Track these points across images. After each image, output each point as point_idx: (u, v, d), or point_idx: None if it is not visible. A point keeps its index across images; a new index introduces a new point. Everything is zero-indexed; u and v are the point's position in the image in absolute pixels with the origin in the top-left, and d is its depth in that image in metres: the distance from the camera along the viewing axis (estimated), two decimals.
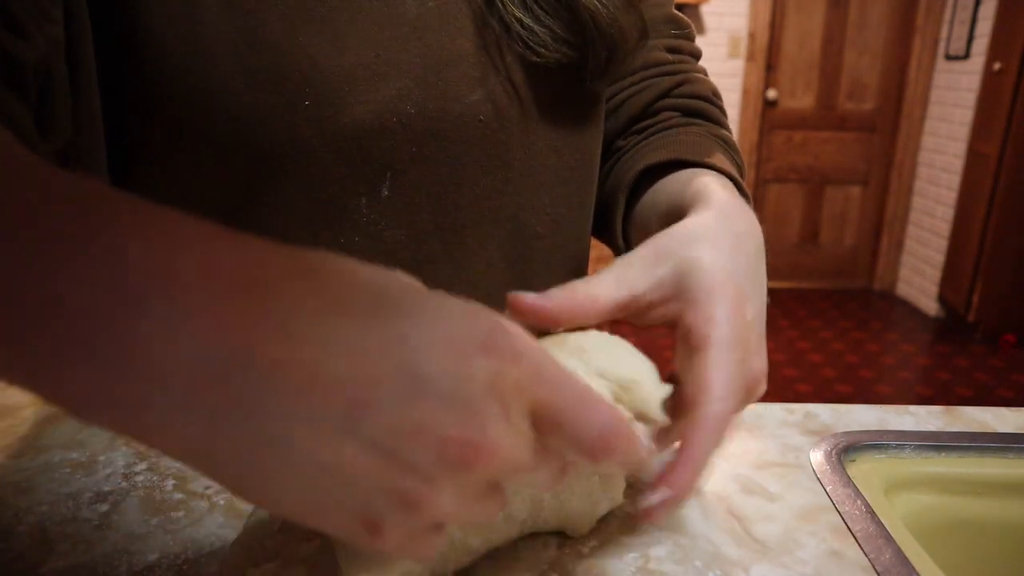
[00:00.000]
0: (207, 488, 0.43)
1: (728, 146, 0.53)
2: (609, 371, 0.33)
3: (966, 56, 3.29)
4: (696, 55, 0.59)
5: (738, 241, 0.38)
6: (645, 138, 0.54)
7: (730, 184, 0.45)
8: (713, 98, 0.57)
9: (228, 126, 0.41)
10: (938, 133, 3.54)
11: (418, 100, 0.44)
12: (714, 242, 0.37)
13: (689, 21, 0.59)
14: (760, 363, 0.36)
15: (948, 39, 3.45)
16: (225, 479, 0.23)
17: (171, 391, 0.20)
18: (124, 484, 0.43)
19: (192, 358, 0.20)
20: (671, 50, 0.56)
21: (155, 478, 0.44)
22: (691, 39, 0.59)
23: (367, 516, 0.23)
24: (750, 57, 3.62)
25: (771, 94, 3.69)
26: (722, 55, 3.63)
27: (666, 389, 0.35)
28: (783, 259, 3.96)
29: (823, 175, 3.84)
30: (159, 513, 0.40)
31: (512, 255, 0.50)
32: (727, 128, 0.56)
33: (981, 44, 3.18)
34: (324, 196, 0.44)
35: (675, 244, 0.37)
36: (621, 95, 0.56)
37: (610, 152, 0.56)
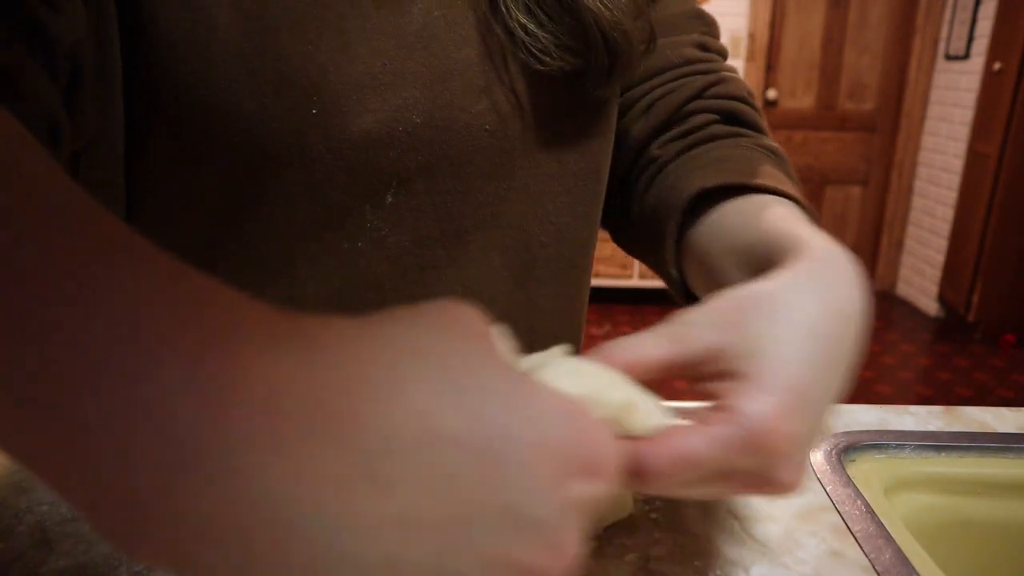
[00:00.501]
0: None
1: (778, 158, 0.49)
2: (602, 396, 0.30)
3: (966, 56, 3.29)
4: (724, 54, 0.56)
5: (830, 316, 0.31)
6: (686, 148, 0.50)
7: (806, 218, 0.40)
8: (749, 99, 0.53)
9: (233, 129, 0.41)
10: (938, 133, 3.54)
11: (424, 109, 0.43)
12: (796, 319, 0.31)
13: (714, 18, 0.56)
14: (789, 475, 0.29)
15: (948, 39, 3.46)
16: None
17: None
18: None
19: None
20: (701, 47, 0.53)
21: None
22: (717, 36, 0.56)
23: None
24: (750, 57, 3.61)
25: (771, 94, 3.69)
26: None
27: (659, 404, 0.32)
28: None
29: (823, 175, 3.84)
30: None
31: (515, 263, 0.49)
32: (767, 132, 0.52)
33: (981, 44, 3.18)
34: (328, 202, 0.44)
35: (748, 310, 0.31)
36: (652, 95, 0.53)
37: (645, 160, 0.53)
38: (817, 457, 0.48)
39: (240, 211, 0.43)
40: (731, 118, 0.51)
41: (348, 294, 0.46)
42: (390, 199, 0.45)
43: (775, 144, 0.50)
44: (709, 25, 0.55)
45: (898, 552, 0.39)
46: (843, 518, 0.42)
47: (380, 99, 0.42)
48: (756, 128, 0.52)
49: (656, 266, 0.52)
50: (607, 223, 0.57)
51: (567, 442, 0.22)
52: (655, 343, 0.32)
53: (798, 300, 0.31)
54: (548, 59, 0.44)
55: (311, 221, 0.44)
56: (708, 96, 0.52)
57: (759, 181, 0.44)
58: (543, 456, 0.21)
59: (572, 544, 0.22)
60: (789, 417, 0.28)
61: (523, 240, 0.50)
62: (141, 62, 0.40)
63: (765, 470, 0.29)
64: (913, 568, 0.38)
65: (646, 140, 0.53)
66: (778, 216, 0.39)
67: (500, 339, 0.25)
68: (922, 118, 3.65)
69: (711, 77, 0.52)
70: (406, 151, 0.44)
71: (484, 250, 0.48)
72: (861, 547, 0.39)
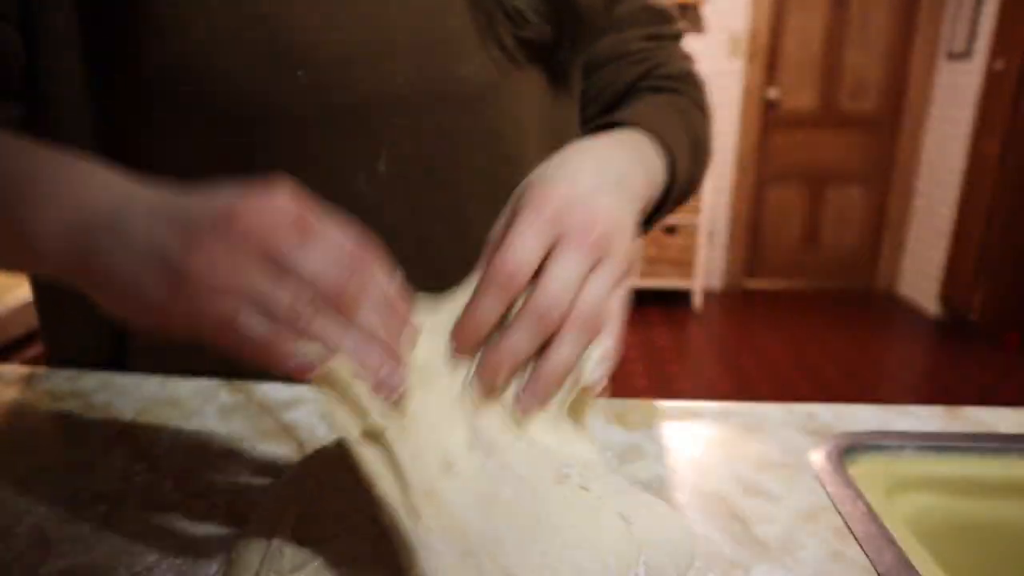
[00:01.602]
0: (207, 488, 0.43)
1: (680, 113, 0.55)
2: None
3: (968, 55, 3.29)
4: (676, 36, 0.62)
5: (584, 159, 0.40)
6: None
7: (642, 138, 0.49)
8: (685, 76, 0.60)
9: (229, 99, 0.43)
10: (940, 132, 3.53)
11: (410, 75, 0.46)
12: (551, 167, 0.39)
13: (668, 9, 0.62)
14: (601, 215, 0.36)
15: (950, 38, 3.45)
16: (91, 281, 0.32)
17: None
18: (124, 484, 0.43)
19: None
20: (649, 38, 0.59)
21: (155, 478, 0.44)
22: (670, 21, 0.62)
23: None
24: (750, 57, 3.61)
25: (772, 94, 3.69)
26: (722, 55, 3.63)
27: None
28: (784, 259, 3.96)
29: (824, 174, 3.84)
30: (159, 513, 0.40)
31: None
32: (699, 100, 0.60)
33: (983, 43, 3.17)
34: (323, 170, 0.46)
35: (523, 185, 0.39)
36: (602, 82, 0.59)
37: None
38: (818, 458, 0.48)
39: (235, 178, 0.45)
40: (667, 93, 0.59)
41: None
42: (383, 168, 0.47)
43: (687, 102, 0.58)
44: (661, 16, 0.61)
45: (899, 553, 0.39)
46: (844, 519, 0.42)
47: (367, 66, 0.45)
48: (684, 96, 0.59)
49: None
50: None
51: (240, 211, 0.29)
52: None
53: (556, 160, 0.40)
54: (528, 26, 0.48)
55: (308, 191, 0.45)
56: (649, 78, 0.59)
57: (628, 119, 0.51)
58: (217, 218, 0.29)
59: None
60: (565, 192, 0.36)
61: None
62: (138, 39, 0.42)
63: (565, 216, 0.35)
64: (915, 569, 0.37)
65: (596, 119, 0.59)
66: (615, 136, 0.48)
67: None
68: (924, 117, 3.65)
69: (649, 64, 0.59)
70: (394, 116, 0.46)
71: (483, 223, 0.49)
72: (862, 548, 0.39)
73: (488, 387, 0.34)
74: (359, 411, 0.30)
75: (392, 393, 0.30)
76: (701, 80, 0.62)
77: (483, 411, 0.36)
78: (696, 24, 3.60)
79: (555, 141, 0.53)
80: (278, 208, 0.30)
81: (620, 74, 0.58)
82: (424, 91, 0.46)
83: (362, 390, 0.30)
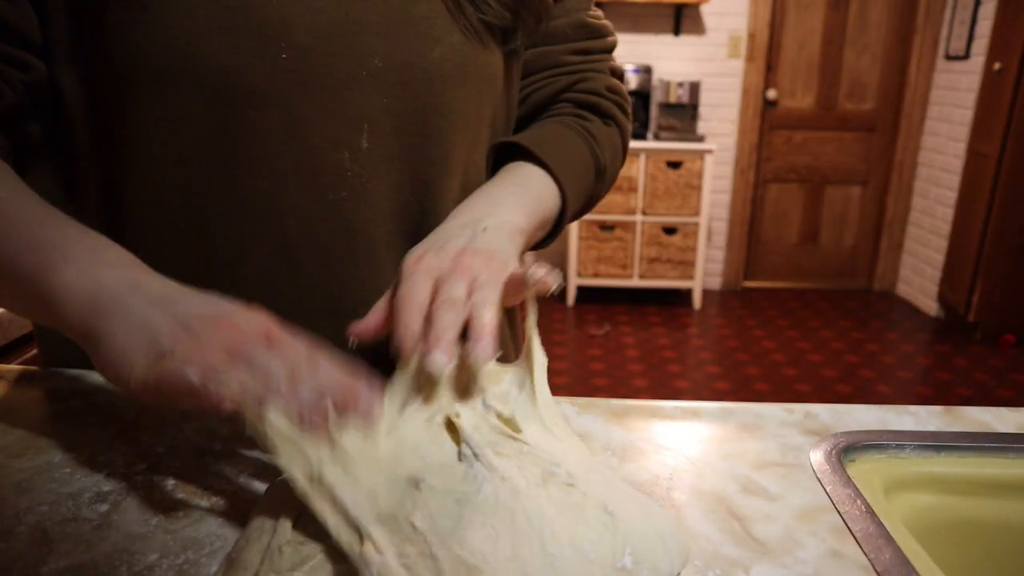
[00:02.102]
0: (207, 488, 0.43)
1: (591, 137, 0.61)
2: None
3: (966, 56, 3.29)
4: (607, 50, 0.66)
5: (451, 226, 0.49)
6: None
7: (536, 173, 0.56)
8: (606, 92, 0.64)
9: (213, 79, 0.46)
10: (938, 133, 3.54)
11: (384, 54, 0.50)
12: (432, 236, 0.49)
13: (603, 24, 0.65)
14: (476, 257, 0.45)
15: (948, 39, 3.46)
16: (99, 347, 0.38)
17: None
18: (124, 484, 0.43)
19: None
20: (579, 52, 0.63)
21: (155, 478, 0.44)
22: (602, 36, 0.65)
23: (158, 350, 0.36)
24: (750, 57, 3.62)
25: (771, 94, 3.70)
26: (722, 55, 3.63)
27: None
28: (783, 259, 3.96)
29: (823, 175, 3.84)
30: (159, 513, 0.40)
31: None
32: (616, 118, 0.65)
33: (981, 44, 3.18)
34: (308, 146, 0.49)
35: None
36: (529, 90, 0.63)
37: None
38: (817, 457, 0.48)
39: (227, 159, 0.49)
40: (585, 107, 0.63)
41: (338, 245, 0.52)
42: (365, 144, 0.51)
43: (600, 127, 0.63)
44: (593, 31, 0.64)
45: (898, 552, 0.39)
46: (843, 518, 0.42)
47: (343, 44, 0.48)
48: (607, 115, 0.64)
49: None
50: None
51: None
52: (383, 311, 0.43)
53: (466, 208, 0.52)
54: (490, 10, 0.52)
55: (294, 168, 0.50)
56: (572, 91, 0.63)
57: (529, 145, 0.57)
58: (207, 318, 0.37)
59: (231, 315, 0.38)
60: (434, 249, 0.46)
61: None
62: (126, 27, 0.45)
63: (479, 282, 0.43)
64: (913, 568, 0.38)
65: (519, 126, 0.64)
66: (508, 172, 0.56)
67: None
68: (922, 118, 3.65)
69: (575, 77, 0.63)
70: (371, 93, 0.50)
71: (454, 199, 0.55)
72: (861, 547, 0.39)
73: (437, 363, 0.39)
74: (302, 456, 0.35)
75: (322, 425, 0.35)
76: (625, 95, 0.66)
77: (474, 427, 0.39)
78: (696, 24, 3.60)
79: (508, 124, 0.61)
80: (255, 318, 0.38)
81: (546, 85, 0.62)
82: (399, 70, 0.50)
83: (298, 435, 0.35)
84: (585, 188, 0.61)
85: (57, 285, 0.39)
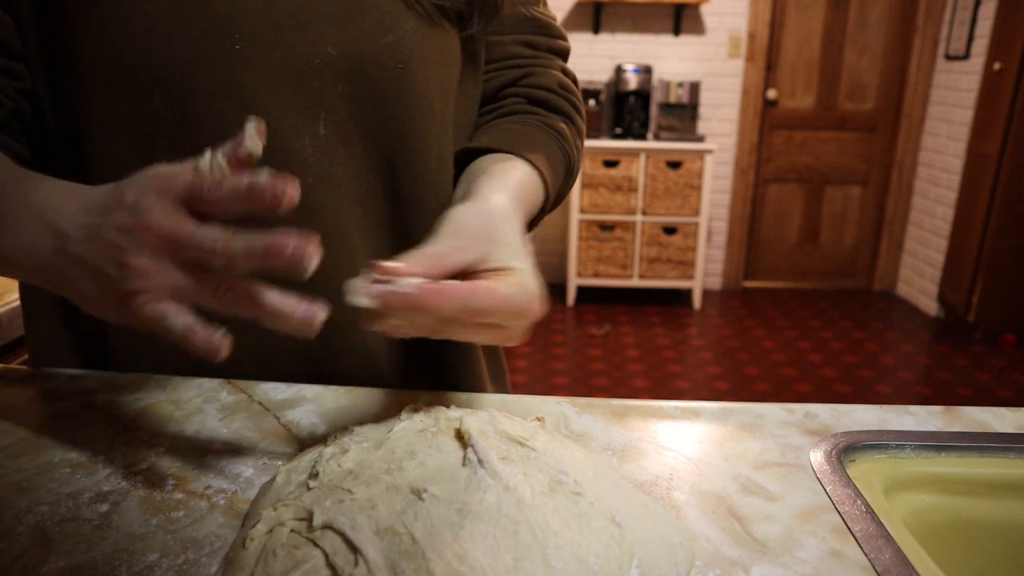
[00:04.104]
0: (207, 488, 0.43)
1: (559, 135, 0.62)
2: None
3: (966, 56, 3.29)
4: (556, 51, 0.66)
5: (519, 224, 0.50)
6: (489, 120, 0.63)
7: (527, 171, 0.56)
8: (558, 89, 0.64)
9: (177, 73, 0.48)
10: (938, 133, 3.54)
11: (338, 42, 0.51)
12: (513, 226, 0.48)
13: (552, 23, 0.66)
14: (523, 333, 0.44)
15: (948, 39, 3.46)
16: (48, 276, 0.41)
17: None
18: (124, 484, 0.43)
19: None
20: (527, 44, 0.64)
21: (155, 478, 0.44)
22: (554, 36, 0.66)
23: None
24: (750, 57, 3.62)
25: (771, 94, 3.70)
26: (722, 55, 3.63)
27: None
28: (783, 259, 3.96)
29: (823, 175, 3.84)
30: (159, 513, 0.40)
31: (444, 199, 0.57)
32: (571, 117, 0.65)
33: (981, 44, 3.18)
34: (270, 136, 0.49)
35: (492, 226, 0.47)
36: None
37: None
38: (817, 457, 0.48)
39: (192, 150, 0.49)
40: (536, 103, 0.64)
41: (308, 230, 0.51)
42: (323, 131, 0.52)
43: (565, 126, 0.64)
44: (541, 26, 0.65)
45: (898, 552, 0.39)
46: (843, 518, 0.42)
47: (296, 34, 0.50)
48: (557, 111, 0.64)
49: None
50: None
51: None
52: (430, 265, 0.41)
53: (511, 214, 0.49)
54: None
55: (262, 160, 0.50)
56: (521, 85, 0.64)
57: (510, 148, 0.58)
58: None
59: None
60: (541, 294, 0.43)
61: (447, 175, 0.58)
62: (89, 25, 0.47)
63: (513, 328, 0.42)
64: (913, 568, 0.38)
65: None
66: (498, 168, 0.55)
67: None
68: (922, 118, 3.65)
69: (524, 71, 0.64)
70: (327, 81, 0.52)
71: (416, 181, 0.56)
72: (861, 547, 0.39)
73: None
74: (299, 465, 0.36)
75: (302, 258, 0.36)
76: (578, 94, 0.67)
77: (480, 432, 0.39)
78: (696, 24, 3.60)
79: (470, 111, 0.62)
80: (155, 206, 0.37)
81: (494, 76, 0.63)
82: (353, 58, 0.51)
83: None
84: (559, 184, 0.62)
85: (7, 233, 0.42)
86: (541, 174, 0.57)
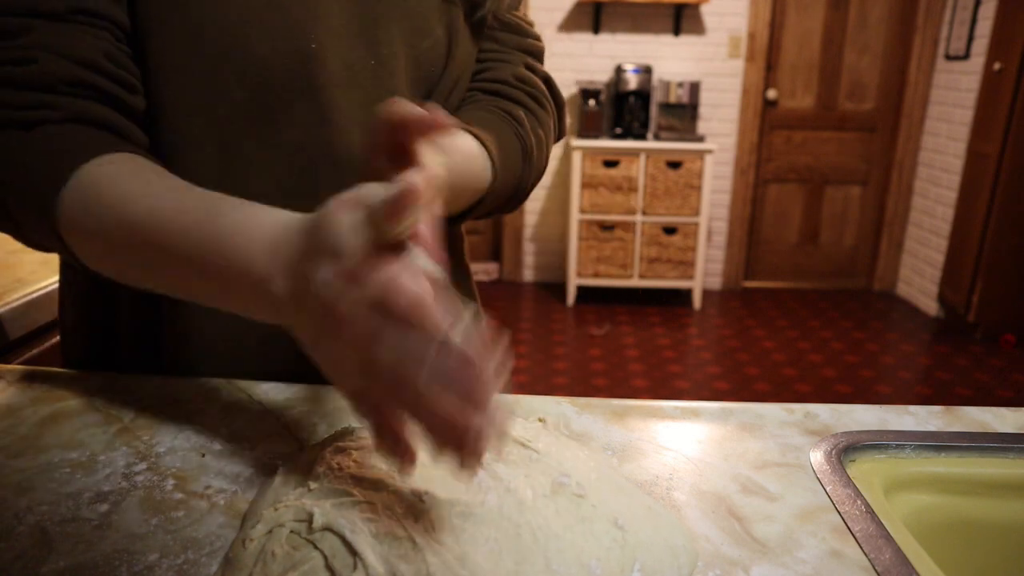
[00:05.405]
0: (207, 488, 0.43)
1: (513, 120, 0.64)
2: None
3: (966, 56, 3.29)
4: (524, 49, 0.68)
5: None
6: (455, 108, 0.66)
7: (469, 140, 0.57)
8: (513, 80, 0.67)
9: (251, 65, 0.51)
10: (938, 133, 3.54)
11: (393, 43, 0.55)
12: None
13: (520, 22, 0.68)
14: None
15: (948, 39, 3.45)
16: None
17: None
18: (124, 484, 0.43)
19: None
20: (492, 41, 0.66)
21: (155, 478, 0.44)
22: (520, 34, 0.68)
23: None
24: (750, 57, 3.61)
25: (771, 94, 3.69)
26: (722, 55, 3.63)
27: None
28: (783, 259, 3.96)
29: (823, 175, 3.84)
30: (159, 513, 0.40)
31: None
32: (529, 107, 0.66)
33: (981, 44, 3.18)
34: (338, 130, 0.54)
35: None
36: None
37: None
38: (817, 457, 0.48)
39: (265, 142, 0.55)
40: (492, 94, 0.66)
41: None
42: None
43: (520, 113, 0.65)
44: (506, 25, 0.67)
45: (898, 552, 0.39)
46: (843, 518, 0.42)
47: (359, 36, 0.54)
48: (513, 100, 0.66)
49: None
50: None
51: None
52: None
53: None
54: None
55: (327, 151, 0.55)
56: (476, 80, 0.66)
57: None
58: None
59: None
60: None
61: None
62: (171, 24, 0.50)
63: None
64: (913, 568, 0.38)
65: None
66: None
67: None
68: (922, 118, 3.65)
69: (482, 65, 0.66)
70: (383, 79, 0.55)
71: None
72: (861, 547, 0.39)
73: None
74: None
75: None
76: (537, 86, 0.68)
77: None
78: (696, 24, 3.60)
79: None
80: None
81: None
82: (406, 56, 0.56)
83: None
84: (513, 165, 0.62)
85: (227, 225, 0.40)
86: (485, 147, 0.58)
